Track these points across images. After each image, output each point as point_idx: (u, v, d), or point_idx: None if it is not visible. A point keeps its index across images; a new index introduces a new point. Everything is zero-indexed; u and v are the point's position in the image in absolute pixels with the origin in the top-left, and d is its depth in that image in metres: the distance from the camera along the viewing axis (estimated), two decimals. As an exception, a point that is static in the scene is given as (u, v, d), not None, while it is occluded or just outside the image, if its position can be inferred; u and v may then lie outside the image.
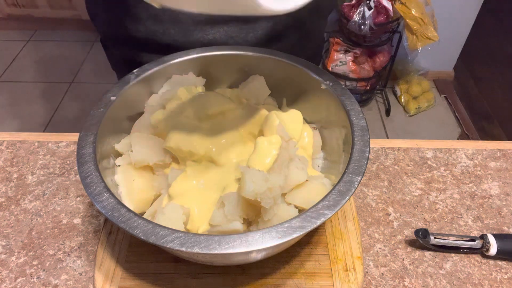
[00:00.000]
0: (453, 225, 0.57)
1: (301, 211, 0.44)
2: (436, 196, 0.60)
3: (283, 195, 0.45)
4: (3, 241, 0.54)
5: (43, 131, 1.84)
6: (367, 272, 0.52)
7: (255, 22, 0.65)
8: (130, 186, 0.48)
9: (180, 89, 0.54)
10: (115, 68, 0.80)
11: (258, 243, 0.36)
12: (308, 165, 0.52)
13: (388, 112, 2.01)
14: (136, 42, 0.67)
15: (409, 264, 0.52)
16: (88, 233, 0.55)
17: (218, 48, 0.57)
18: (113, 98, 0.50)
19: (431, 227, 0.57)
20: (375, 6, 1.60)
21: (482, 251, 0.53)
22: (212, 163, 0.49)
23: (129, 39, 0.67)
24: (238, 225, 0.43)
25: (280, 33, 0.67)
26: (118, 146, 0.50)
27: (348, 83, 1.86)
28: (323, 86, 0.53)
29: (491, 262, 0.53)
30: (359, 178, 0.42)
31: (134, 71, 0.54)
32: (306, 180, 0.46)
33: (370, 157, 0.66)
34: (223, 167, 0.49)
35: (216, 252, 0.36)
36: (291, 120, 0.52)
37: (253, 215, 0.44)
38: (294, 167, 0.46)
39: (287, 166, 0.45)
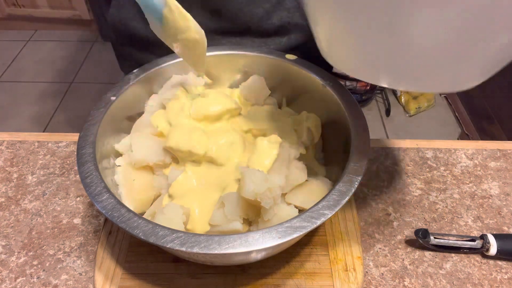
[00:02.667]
0: (453, 225, 0.57)
1: (301, 211, 0.44)
2: (436, 196, 0.60)
3: (283, 195, 0.45)
4: (3, 241, 0.54)
5: (43, 131, 1.84)
6: (367, 272, 0.52)
7: (268, 37, 0.65)
8: (130, 186, 0.48)
9: (180, 89, 0.54)
10: (123, 70, 0.79)
11: (258, 243, 0.36)
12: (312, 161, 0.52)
13: (388, 112, 2.01)
14: (146, 44, 0.67)
15: (409, 264, 0.52)
16: (88, 233, 0.55)
17: (218, 48, 0.57)
18: (113, 98, 0.50)
19: (431, 227, 0.57)
20: (375, 6, 1.60)
21: (482, 251, 0.53)
22: (212, 163, 0.49)
23: (139, 40, 0.67)
24: (238, 225, 0.43)
25: (290, 48, 0.67)
26: (118, 146, 0.51)
27: (348, 83, 1.86)
28: (323, 86, 0.53)
29: (491, 262, 0.53)
30: (359, 178, 0.42)
31: (134, 71, 0.54)
32: (306, 180, 0.46)
33: (370, 157, 0.66)
34: (223, 167, 0.49)
35: (216, 252, 0.36)
36: (312, 124, 0.53)
37: (253, 215, 0.44)
38: (294, 167, 0.46)
39: (287, 166, 0.45)
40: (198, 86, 0.56)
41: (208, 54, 0.57)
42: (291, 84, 0.57)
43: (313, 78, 0.54)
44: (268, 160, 0.46)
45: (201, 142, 0.48)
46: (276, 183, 0.42)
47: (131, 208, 0.46)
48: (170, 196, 0.47)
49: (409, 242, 0.55)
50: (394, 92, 2.11)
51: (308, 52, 0.71)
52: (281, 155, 0.46)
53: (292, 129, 0.51)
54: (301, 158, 0.49)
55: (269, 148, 0.47)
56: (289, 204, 0.44)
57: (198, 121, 0.51)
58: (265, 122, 0.52)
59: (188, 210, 0.45)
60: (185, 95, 0.53)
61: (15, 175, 0.62)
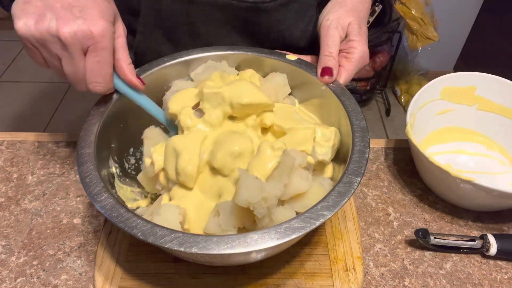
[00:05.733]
0: (453, 225, 0.57)
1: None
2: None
3: (282, 202, 0.44)
4: (3, 241, 0.54)
5: (43, 131, 1.84)
6: (367, 272, 0.52)
7: (301, 52, 0.62)
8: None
9: (214, 73, 0.53)
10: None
11: (257, 244, 0.36)
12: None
13: (388, 112, 2.01)
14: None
15: (409, 264, 0.52)
16: (88, 233, 0.55)
17: (218, 48, 0.57)
18: (113, 97, 0.50)
19: (431, 227, 0.57)
20: (375, 6, 1.60)
21: (482, 251, 0.53)
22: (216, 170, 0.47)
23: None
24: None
25: None
26: None
27: (348, 83, 1.86)
28: (323, 86, 0.53)
29: (491, 262, 0.53)
30: (359, 179, 0.42)
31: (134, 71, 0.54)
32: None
33: (370, 157, 0.66)
34: (226, 176, 0.47)
35: (214, 252, 0.36)
36: (336, 141, 0.50)
37: (249, 223, 0.43)
38: (298, 176, 0.44)
39: (288, 175, 0.44)
40: (231, 75, 0.55)
41: (208, 54, 0.57)
42: (291, 84, 0.57)
43: (313, 78, 0.54)
44: (269, 166, 0.44)
45: (193, 178, 0.46)
46: (272, 193, 0.40)
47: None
48: (170, 197, 0.47)
49: (409, 242, 0.55)
50: (394, 92, 2.11)
51: None
52: (283, 163, 0.44)
53: (311, 138, 0.48)
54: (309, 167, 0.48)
55: (271, 155, 0.44)
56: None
57: (230, 107, 0.48)
58: (289, 122, 0.50)
59: (184, 210, 0.44)
60: (217, 79, 0.52)
61: (15, 175, 0.62)
